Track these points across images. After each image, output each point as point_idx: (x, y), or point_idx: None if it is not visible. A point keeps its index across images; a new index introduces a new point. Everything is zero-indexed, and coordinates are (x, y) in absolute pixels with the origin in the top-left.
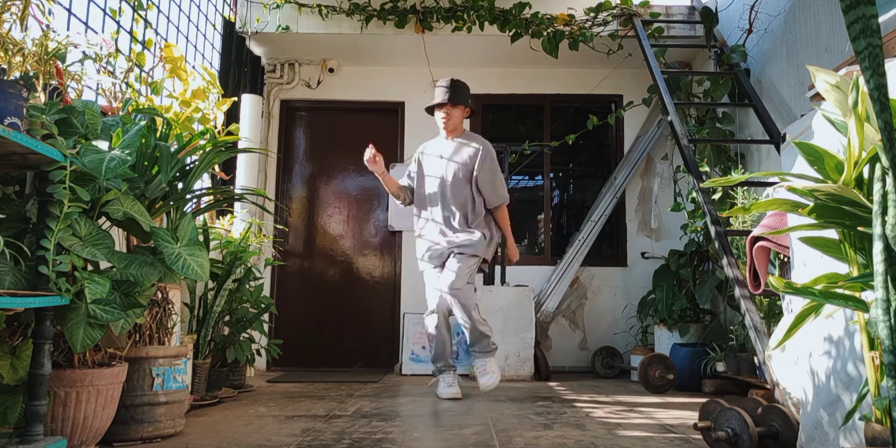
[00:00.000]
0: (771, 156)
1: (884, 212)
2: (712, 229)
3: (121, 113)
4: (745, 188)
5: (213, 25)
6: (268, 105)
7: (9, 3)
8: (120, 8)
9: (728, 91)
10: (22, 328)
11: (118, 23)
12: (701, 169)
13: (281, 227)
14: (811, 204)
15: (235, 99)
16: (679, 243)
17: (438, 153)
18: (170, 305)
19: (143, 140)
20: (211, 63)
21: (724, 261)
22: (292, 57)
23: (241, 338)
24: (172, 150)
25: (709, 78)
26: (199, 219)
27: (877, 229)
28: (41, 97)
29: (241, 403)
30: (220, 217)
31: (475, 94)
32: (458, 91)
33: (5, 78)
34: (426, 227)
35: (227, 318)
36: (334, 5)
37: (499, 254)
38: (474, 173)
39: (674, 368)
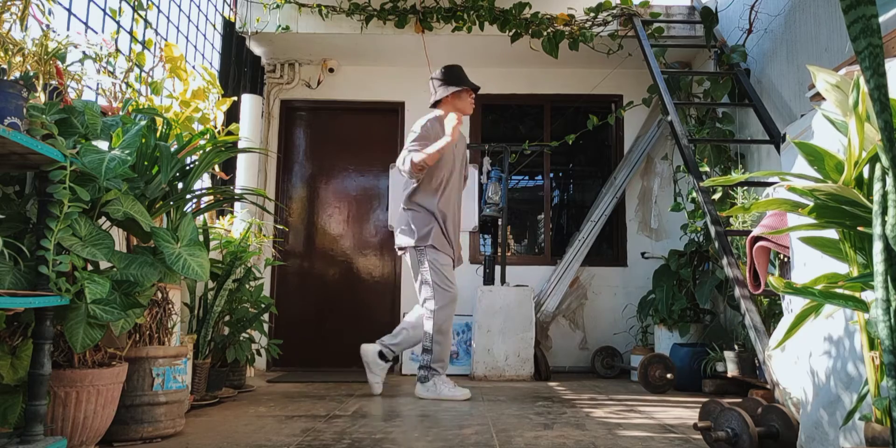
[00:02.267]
0: (771, 156)
1: (884, 212)
2: (712, 229)
3: (121, 113)
4: (745, 188)
5: (213, 25)
6: (268, 105)
7: (9, 3)
8: (120, 8)
9: (728, 91)
10: (22, 328)
11: (118, 23)
12: (701, 169)
13: (281, 227)
14: (811, 204)
15: (235, 98)
16: (679, 243)
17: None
18: (170, 305)
19: (143, 140)
20: (211, 63)
21: (724, 261)
22: (292, 57)
23: (241, 338)
24: (172, 150)
25: (709, 78)
26: (199, 219)
27: (877, 229)
28: (41, 97)
29: (241, 403)
30: (220, 217)
31: (475, 94)
32: None
33: (5, 78)
34: (447, 209)
35: (227, 318)
36: (334, 5)
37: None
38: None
39: (674, 368)
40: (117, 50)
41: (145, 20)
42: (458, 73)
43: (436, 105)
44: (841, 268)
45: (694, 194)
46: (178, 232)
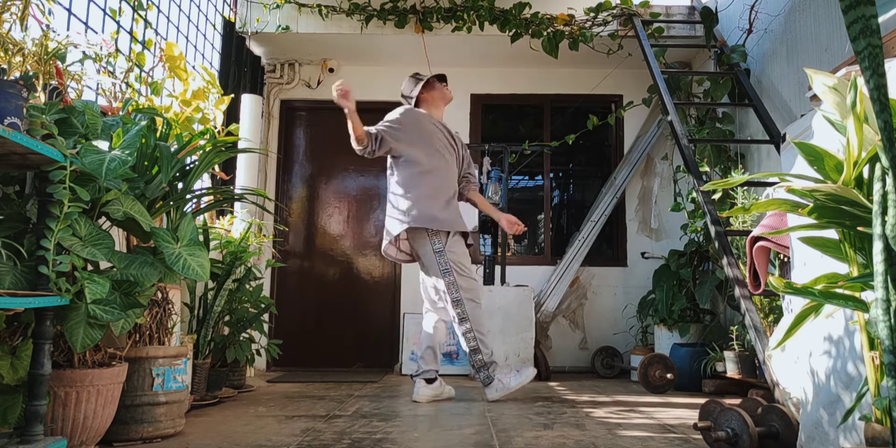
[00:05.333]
0: (771, 156)
1: (884, 212)
2: (712, 229)
3: (121, 113)
4: (745, 188)
5: (213, 25)
6: (268, 105)
7: (9, 3)
8: (120, 8)
9: (728, 91)
10: (22, 328)
11: (118, 23)
12: (701, 169)
13: (281, 227)
14: (811, 204)
15: (234, 97)
16: (679, 243)
17: (443, 131)
18: (170, 305)
19: (143, 140)
20: (211, 63)
21: (724, 261)
22: (292, 57)
23: (241, 338)
24: (172, 150)
25: (709, 78)
26: (199, 219)
27: (877, 229)
28: (41, 97)
29: (241, 403)
30: (220, 217)
31: (475, 95)
32: None
33: (5, 78)
34: (438, 195)
35: (227, 318)
36: (334, 5)
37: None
38: (463, 156)
39: (674, 368)
40: (117, 50)
41: (145, 20)
42: (418, 75)
43: (417, 105)
44: (841, 268)
45: (694, 194)
46: (178, 232)
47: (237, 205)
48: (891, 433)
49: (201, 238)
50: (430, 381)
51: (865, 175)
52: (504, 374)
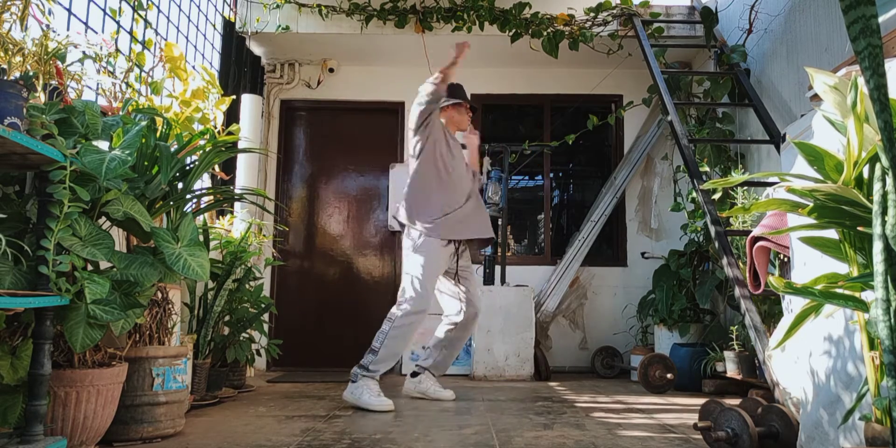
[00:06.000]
0: (771, 156)
1: (884, 212)
2: (712, 229)
3: (121, 113)
4: (745, 188)
5: (213, 25)
6: (268, 105)
7: (9, 3)
8: (120, 8)
9: (728, 91)
10: (22, 328)
11: (118, 23)
12: (701, 169)
13: (281, 227)
14: (811, 204)
15: (234, 97)
16: (679, 243)
17: (451, 137)
18: (170, 305)
19: (143, 140)
20: (211, 63)
21: (724, 261)
22: (292, 57)
23: (241, 338)
24: (172, 150)
25: (709, 78)
26: (199, 219)
27: (877, 229)
28: (41, 97)
29: (241, 403)
30: (220, 217)
31: (475, 95)
32: None
33: (5, 78)
34: (454, 205)
35: (227, 318)
36: (334, 5)
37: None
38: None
39: (674, 368)
40: (117, 50)
41: (145, 20)
42: (460, 90)
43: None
44: (841, 268)
45: (694, 194)
46: (178, 232)
47: (237, 205)
48: (891, 433)
49: (201, 238)
50: (413, 374)
51: (865, 175)
52: (371, 388)
